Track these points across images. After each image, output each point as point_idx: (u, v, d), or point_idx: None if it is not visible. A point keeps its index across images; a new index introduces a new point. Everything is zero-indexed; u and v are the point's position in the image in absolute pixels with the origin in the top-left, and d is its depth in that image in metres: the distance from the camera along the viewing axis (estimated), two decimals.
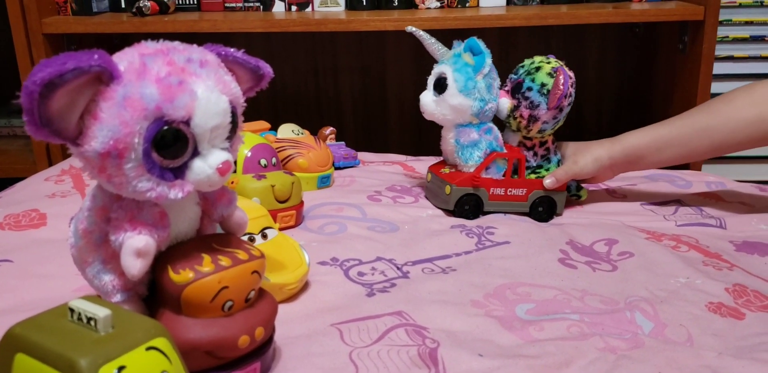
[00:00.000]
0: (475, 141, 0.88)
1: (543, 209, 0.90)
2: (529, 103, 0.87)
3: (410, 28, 0.87)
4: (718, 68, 1.27)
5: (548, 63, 0.88)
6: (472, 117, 0.88)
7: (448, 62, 0.88)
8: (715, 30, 1.16)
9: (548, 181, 0.90)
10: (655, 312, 0.65)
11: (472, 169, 0.89)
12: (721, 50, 1.25)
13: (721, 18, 1.21)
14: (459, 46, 0.89)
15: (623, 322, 0.64)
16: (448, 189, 0.89)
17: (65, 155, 1.29)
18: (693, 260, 0.78)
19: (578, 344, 0.59)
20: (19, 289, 0.67)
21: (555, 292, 0.69)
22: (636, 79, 1.50)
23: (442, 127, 0.93)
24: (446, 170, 0.92)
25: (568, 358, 0.57)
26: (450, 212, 0.90)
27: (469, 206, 0.89)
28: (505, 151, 0.90)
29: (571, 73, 0.87)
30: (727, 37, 1.29)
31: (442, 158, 0.96)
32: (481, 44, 0.87)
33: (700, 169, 1.24)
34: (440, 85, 0.87)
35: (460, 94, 0.86)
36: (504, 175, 0.90)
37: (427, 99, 0.89)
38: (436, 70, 0.89)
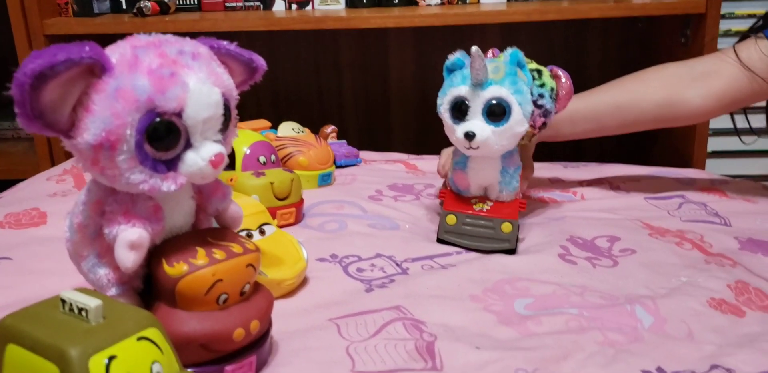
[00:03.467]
0: (518, 166, 0.77)
1: None
2: (544, 111, 0.79)
3: (475, 49, 0.68)
4: None
5: (530, 62, 0.80)
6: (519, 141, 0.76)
7: (503, 84, 0.71)
8: (716, 23, 1.15)
9: (525, 187, 0.89)
10: (655, 306, 0.65)
11: (510, 197, 0.78)
12: (723, 44, 1.24)
13: (723, 11, 1.21)
14: (497, 61, 0.73)
15: (623, 316, 0.63)
16: (507, 227, 0.76)
17: (69, 157, 1.30)
18: (695, 259, 0.77)
19: (577, 338, 0.59)
20: (18, 285, 0.67)
21: (554, 287, 0.69)
22: None
23: (444, 126, 0.76)
24: (481, 206, 0.78)
25: (567, 351, 0.57)
26: (493, 252, 0.77)
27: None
28: None
29: None
30: (730, 30, 1.28)
31: (446, 189, 0.81)
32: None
33: (703, 166, 1.23)
34: (497, 112, 0.71)
35: (524, 119, 0.72)
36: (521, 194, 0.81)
37: (487, 132, 0.71)
38: (487, 94, 0.71)
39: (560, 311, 0.64)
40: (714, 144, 1.36)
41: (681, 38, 1.24)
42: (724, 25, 1.28)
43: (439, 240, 0.79)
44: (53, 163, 1.35)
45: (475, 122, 0.72)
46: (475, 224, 0.78)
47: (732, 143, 1.37)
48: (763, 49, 0.88)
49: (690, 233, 0.84)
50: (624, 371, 0.54)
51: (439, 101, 0.75)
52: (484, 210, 0.78)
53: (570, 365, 0.55)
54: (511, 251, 0.77)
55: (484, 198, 0.79)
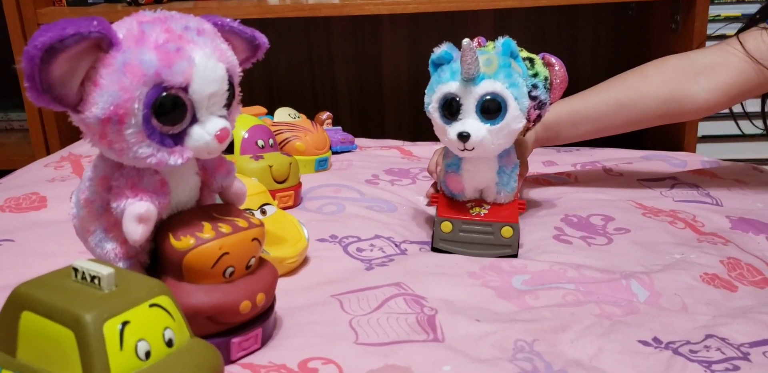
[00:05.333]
0: (516, 164, 0.72)
1: None
2: (539, 102, 0.73)
3: (466, 41, 0.63)
4: None
5: (521, 51, 0.74)
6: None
7: (497, 77, 0.65)
8: (706, 9, 1.16)
9: (521, 185, 0.86)
10: (650, 281, 0.66)
11: (509, 199, 0.72)
12: (712, 29, 1.25)
13: None
14: (488, 53, 0.68)
15: (619, 290, 0.65)
16: (507, 231, 0.71)
17: (64, 146, 1.30)
18: (688, 238, 0.78)
19: (574, 311, 0.60)
20: (21, 266, 0.68)
21: (550, 264, 0.70)
22: (630, 59, 1.50)
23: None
24: (478, 210, 0.72)
25: (564, 323, 0.58)
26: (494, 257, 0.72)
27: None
28: None
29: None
30: (719, 15, 1.29)
31: (438, 194, 0.75)
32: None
33: (694, 150, 1.25)
34: (492, 109, 0.65)
35: (521, 114, 0.67)
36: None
37: (482, 131, 0.65)
38: (480, 89, 0.65)
39: (557, 286, 0.65)
40: (704, 128, 1.37)
41: (671, 24, 1.26)
42: (713, 11, 1.29)
43: (435, 249, 0.73)
44: (48, 153, 1.35)
45: (469, 121, 0.66)
46: (472, 230, 0.72)
47: (722, 127, 1.39)
48: None
49: (682, 213, 0.85)
50: (621, 341, 0.56)
51: (426, 99, 0.69)
52: (482, 214, 0.72)
53: (568, 336, 0.56)
54: (513, 257, 0.72)
55: (480, 201, 0.73)
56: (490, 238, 0.71)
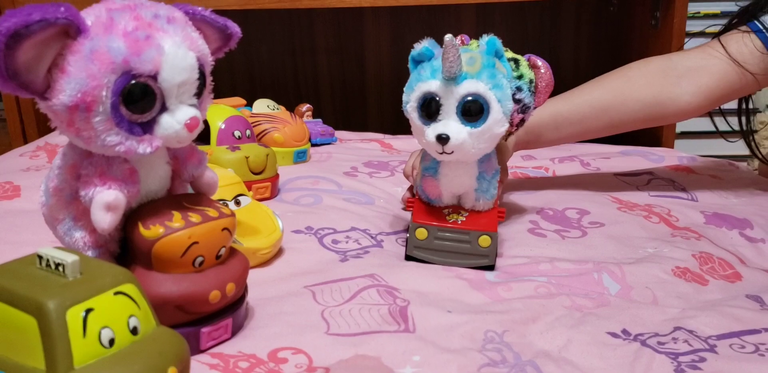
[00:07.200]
0: (497, 170, 0.69)
1: None
2: (522, 106, 0.70)
3: (449, 37, 0.59)
4: (690, 44, 1.28)
5: (506, 51, 0.70)
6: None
7: (480, 77, 0.61)
8: (685, 5, 1.17)
9: (501, 192, 0.83)
10: (622, 274, 0.67)
11: (488, 206, 0.69)
12: (692, 26, 1.26)
13: None
14: (472, 51, 0.64)
15: (590, 283, 0.65)
16: (485, 240, 0.67)
17: (42, 136, 1.29)
18: (662, 232, 0.79)
19: (545, 303, 0.61)
20: None
21: (524, 259, 0.70)
22: (611, 55, 1.51)
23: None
24: (456, 217, 0.69)
25: (535, 314, 0.58)
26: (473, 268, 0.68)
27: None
28: None
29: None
30: (699, 13, 1.30)
31: (414, 198, 0.70)
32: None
33: (672, 146, 1.26)
34: (473, 111, 0.62)
35: (504, 118, 0.63)
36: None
37: (463, 134, 0.62)
38: (462, 89, 0.61)
39: (529, 279, 0.65)
40: (683, 125, 1.38)
41: (651, 20, 1.26)
42: (692, 8, 1.29)
43: (408, 257, 0.69)
44: (26, 143, 1.34)
45: (449, 123, 0.62)
46: (448, 238, 0.68)
47: (700, 124, 1.40)
48: (755, 43, 0.86)
49: (658, 208, 0.86)
50: (590, 333, 0.56)
51: (405, 98, 0.65)
52: (459, 222, 0.68)
53: (538, 327, 0.57)
54: (491, 268, 0.68)
55: (458, 208, 0.69)
56: (467, 247, 0.68)
